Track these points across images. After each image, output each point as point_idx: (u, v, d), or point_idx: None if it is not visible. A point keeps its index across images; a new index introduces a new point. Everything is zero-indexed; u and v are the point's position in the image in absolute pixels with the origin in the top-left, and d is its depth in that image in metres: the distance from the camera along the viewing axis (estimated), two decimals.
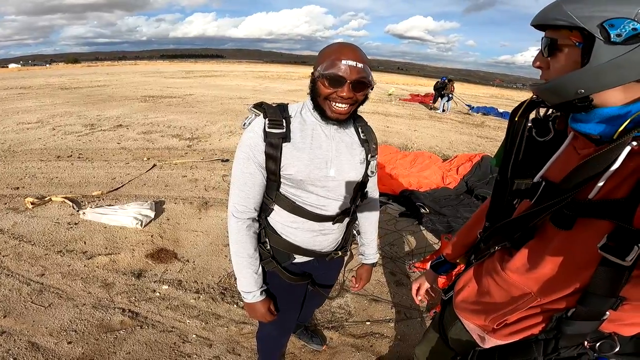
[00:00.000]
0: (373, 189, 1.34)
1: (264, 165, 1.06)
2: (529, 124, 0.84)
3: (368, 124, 1.22)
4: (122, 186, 4.14)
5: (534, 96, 0.80)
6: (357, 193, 1.19)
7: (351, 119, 1.12)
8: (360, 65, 0.96)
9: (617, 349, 0.70)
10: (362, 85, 0.98)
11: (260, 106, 1.07)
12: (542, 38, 0.68)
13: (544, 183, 0.75)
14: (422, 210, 3.79)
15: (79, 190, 3.98)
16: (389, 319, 2.28)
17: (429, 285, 1.26)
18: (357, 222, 1.39)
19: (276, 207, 1.13)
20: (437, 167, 5.13)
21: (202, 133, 7.08)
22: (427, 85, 23.72)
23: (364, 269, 1.47)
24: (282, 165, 1.04)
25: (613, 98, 0.63)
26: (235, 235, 1.11)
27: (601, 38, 0.57)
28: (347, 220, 1.23)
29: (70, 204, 3.55)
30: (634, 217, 0.56)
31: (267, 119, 1.03)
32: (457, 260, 1.17)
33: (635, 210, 0.56)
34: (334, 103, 0.99)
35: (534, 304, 0.77)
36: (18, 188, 3.96)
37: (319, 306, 1.98)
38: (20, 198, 3.66)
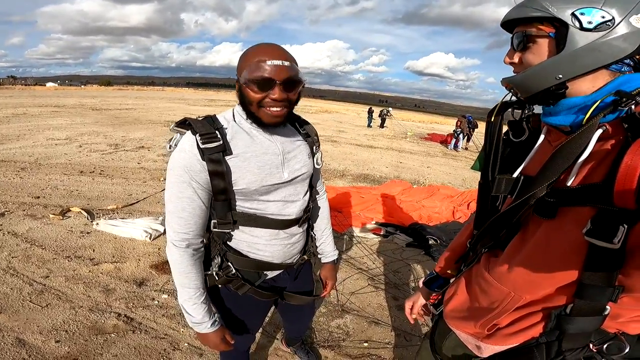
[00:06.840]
0: (319, 182, 1.32)
1: (209, 187, 0.96)
2: (505, 127, 0.86)
3: (306, 120, 1.19)
4: (137, 202, 4.26)
5: (507, 97, 0.83)
6: (310, 188, 1.18)
7: (287, 120, 1.05)
8: (287, 63, 0.90)
9: (626, 350, 0.67)
10: (293, 84, 0.93)
11: (185, 123, 0.97)
12: (512, 35, 0.73)
13: (522, 178, 0.76)
14: (431, 242, 3.72)
15: (96, 203, 4.11)
16: (388, 342, 2.20)
17: (423, 303, 1.21)
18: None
19: (238, 228, 1.06)
20: (449, 201, 5.08)
21: None
22: (442, 124, 23.80)
23: (327, 268, 1.42)
24: (233, 180, 0.96)
25: (584, 86, 0.66)
26: (178, 266, 1.00)
27: (575, 26, 0.62)
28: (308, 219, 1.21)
29: (85, 214, 3.67)
30: (613, 197, 0.56)
31: (197, 135, 0.92)
32: (449, 271, 1.14)
33: (613, 190, 0.56)
34: (267, 108, 0.92)
35: (521, 303, 0.74)
36: (39, 197, 4.13)
37: (312, 316, 1.91)
38: (39, 206, 3.81)
